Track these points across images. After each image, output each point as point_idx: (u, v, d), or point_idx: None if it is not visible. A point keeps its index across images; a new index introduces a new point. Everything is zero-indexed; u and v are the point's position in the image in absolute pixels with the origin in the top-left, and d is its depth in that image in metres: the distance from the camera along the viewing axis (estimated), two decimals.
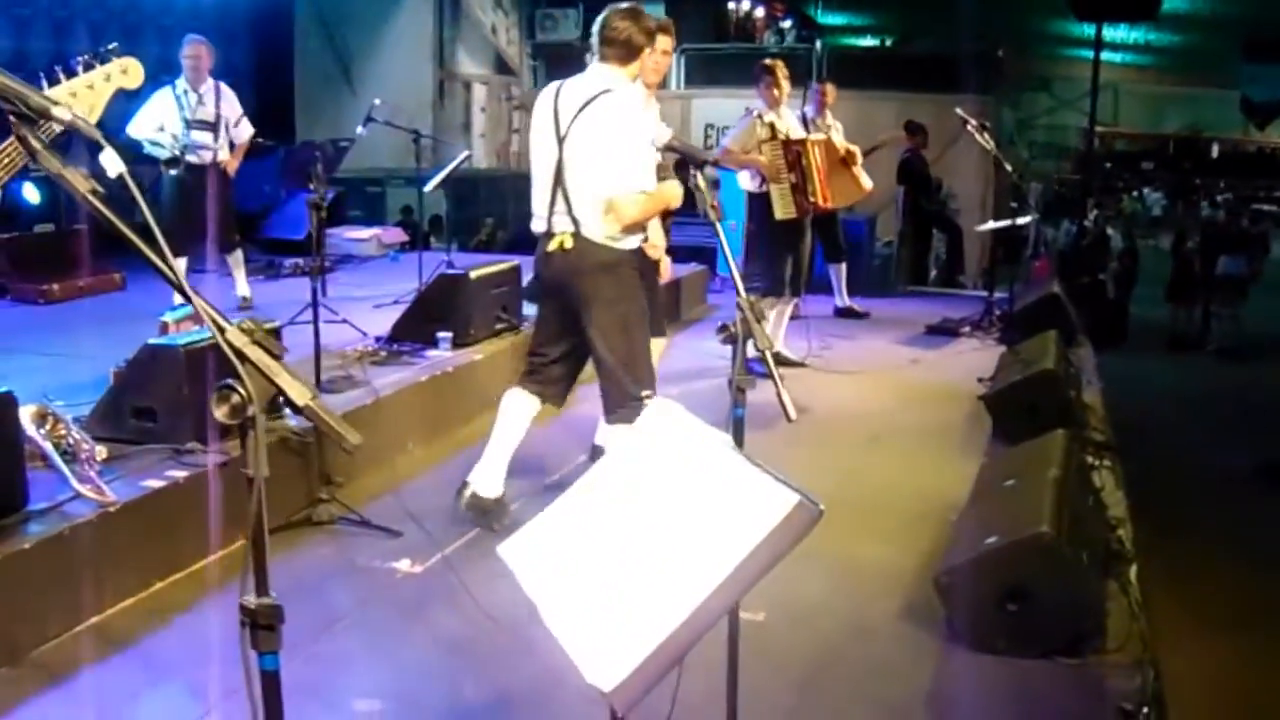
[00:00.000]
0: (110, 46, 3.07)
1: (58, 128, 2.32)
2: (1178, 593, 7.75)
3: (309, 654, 4.58)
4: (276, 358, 2.28)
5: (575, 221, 5.56)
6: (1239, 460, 11.67)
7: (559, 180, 5.60)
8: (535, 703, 4.16)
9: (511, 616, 4.49)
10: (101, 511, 4.88)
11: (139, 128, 9.35)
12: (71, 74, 2.97)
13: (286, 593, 5.10)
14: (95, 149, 2.36)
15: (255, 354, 2.26)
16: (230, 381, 2.23)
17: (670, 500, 2.60)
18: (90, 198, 2.28)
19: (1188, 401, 14.79)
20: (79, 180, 2.29)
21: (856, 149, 10.13)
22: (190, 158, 9.42)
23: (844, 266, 11.73)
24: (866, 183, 9.97)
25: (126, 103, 9.06)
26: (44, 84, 2.95)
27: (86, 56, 3.01)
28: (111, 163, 2.36)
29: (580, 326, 5.69)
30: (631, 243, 5.62)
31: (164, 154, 9.30)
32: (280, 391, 2.25)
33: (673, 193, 5.55)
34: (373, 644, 4.70)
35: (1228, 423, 13.43)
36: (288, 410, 2.40)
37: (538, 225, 5.76)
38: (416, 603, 5.10)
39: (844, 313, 11.81)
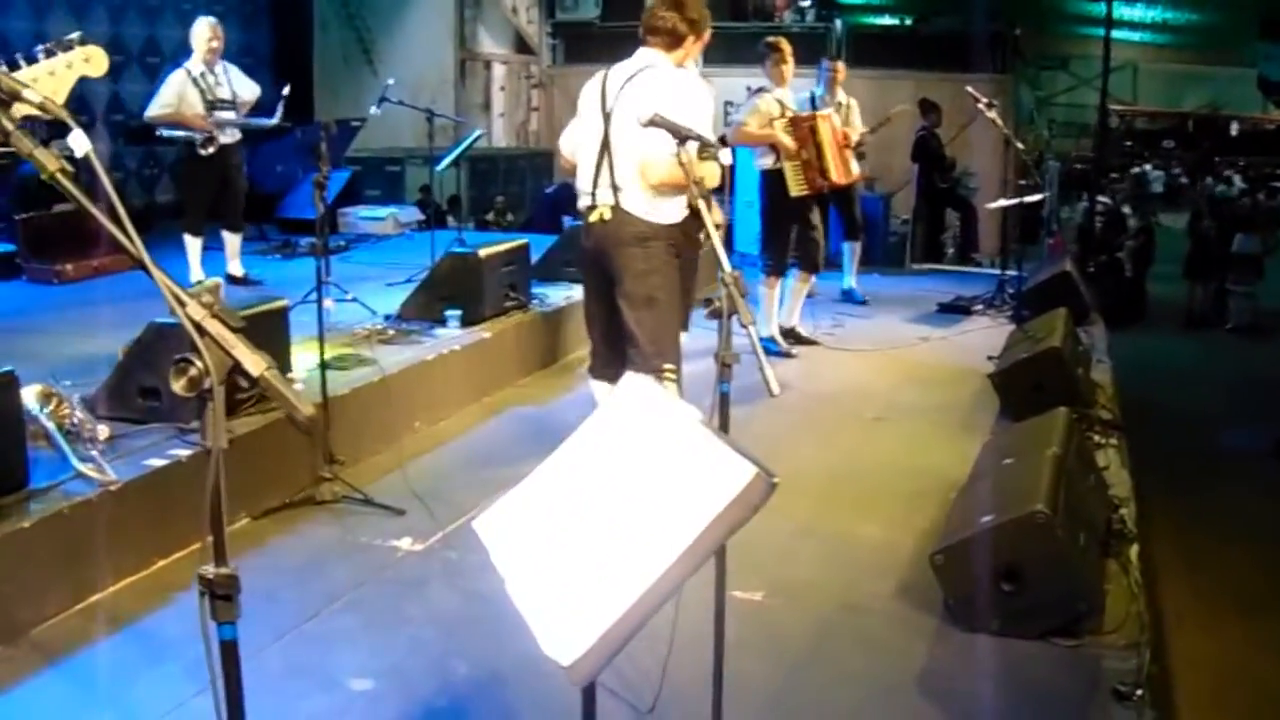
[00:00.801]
0: (73, 35, 3.06)
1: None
2: (1188, 574, 7.73)
3: (306, 632, 4.61)
4: (235, 330, 2.30)
5: (616, 193, 5.73)
6: (1255, 439, 11.60)
7: (604, 153, 5.77)
8: (527, 682, 4.17)
9: (508, 595, 4.50)
10: (102, 490, 4.91)
11: (158, 111, 9.37)
12: (32, 61, 2.97)
13: (286, 571, 5.19)
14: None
15: (214, 327, 2.28)
16: (188, 354, 2.26)
17: (634, 473, 2.61)
18: (59, 176, 2.33)
19: (1204, 379, 14.70)
20: (49, 160, 2.33)
21: (853, 131, 10.10)
22: (223, 138, 9.48)
23: (859, 245, 11.50)
24: (855, 169, 9.90)
25: (148, 85, 9.10)
26: (3, 70, 2.96)
27: (49, 44, 3.01)
28: (79, 143, 2.38)
29: (614, 297, 5.86)
30: (667, 217, 5.72)
31: (197, 137, 9.33)
32: (236, 363, 2.27)
33: (707, 170, 5.57)
34: (369, 622, 4.72)
35: (1244, 401, 13.34)
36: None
37: (583, 201, 5.92)
38: (416, 581, 5.11)
39: (847, 294, 11.57)
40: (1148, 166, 26.95)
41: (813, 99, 10.50)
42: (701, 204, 3.96)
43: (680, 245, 5.91)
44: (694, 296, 6.92)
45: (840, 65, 10.82)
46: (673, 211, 5.73)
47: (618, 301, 5.82)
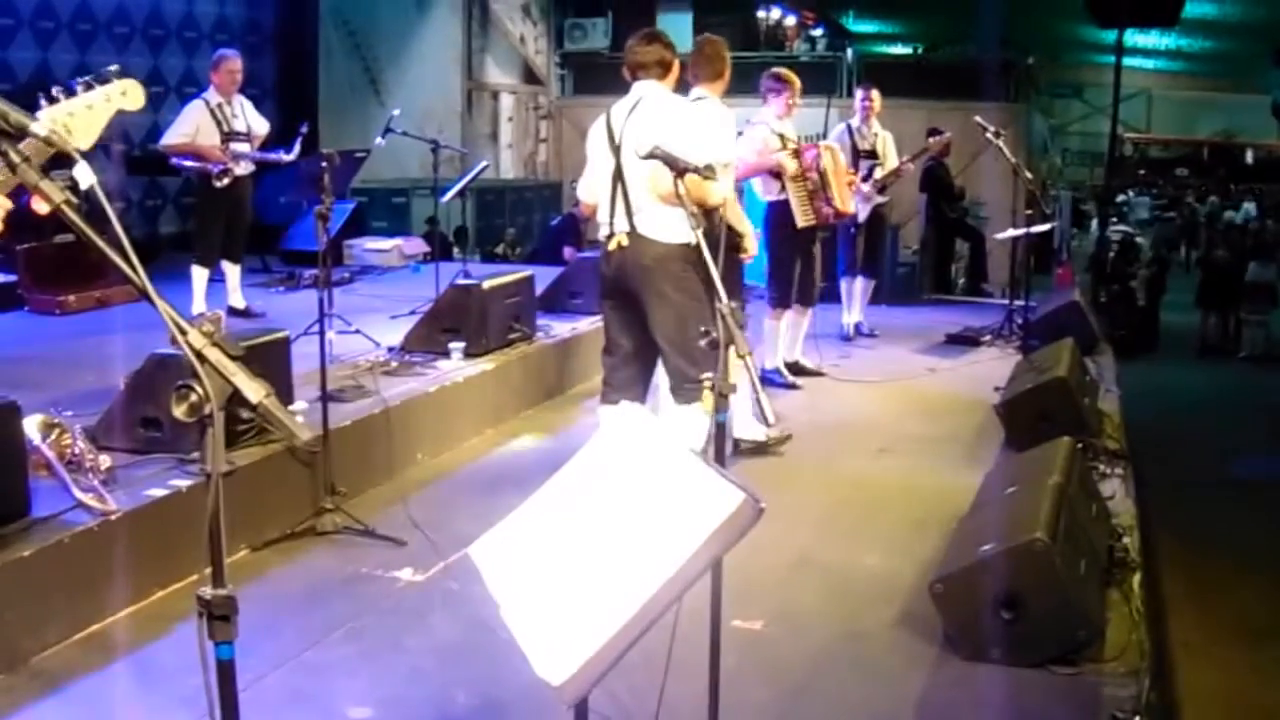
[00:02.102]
0: (111, 68, 3.10)
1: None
2: (1195, 604, 7.71)
3: (305, 661, 4.61)
4: (234, 358, 2.37)
5: (632, 219, 5.94)
6: (1267, 469, 11.56)
7: (618, 183, 5.99)
8: (526, 712, 4.16)
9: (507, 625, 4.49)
10: (103, 520, 4.91)
11: (175, 140, 9.43)
12: (71, 94, 3.02)
13: (286, 601, 5.19)
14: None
15: (214, 355, 2.35)
16: (189, 381, 2.33)
17: (626, 499, 2.65)
18: (65, 208, 2.40)
19: (1215, 409, 14.68)
20: (54, 192, 2.40)
21: (889, 164, 10.09)
22: (238, 170, 9.55)
23: (872, 284, 11.36)
24: (851, 207, 9.78)
25: (152, 115, 9.10)
26: (43, 104, 3.03)
27: (88, 78, 3.06)
28: (84, 175, 2.44)
29: (641, 320, 6.04)
30: (684, 236, 5.79)
31: (213, 169, 9.39)
32: (235, 390, 2.32)
33: (708, 190, 5.72)
34: (369, 652, 4.71)
35: (1255, 430, 13.32)
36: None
37: (602, 231, 6.15)
38: (416, 612, 5.11)
39: (857, 328, 11.30)
40: (1131, 193, 26.87)
41: (849, 131, 10.50)
42: (699, 234, 3.99)
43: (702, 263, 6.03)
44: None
45: (875, 95, 10.78)
46: (686, 233, 5.80)
47: (647, 321, 6.02)
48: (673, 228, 5.83)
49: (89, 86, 2.99)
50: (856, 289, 11.18)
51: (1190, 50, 28.27)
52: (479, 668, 4.53)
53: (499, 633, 4.49)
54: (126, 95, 3.05)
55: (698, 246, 5.85)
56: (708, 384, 5.71)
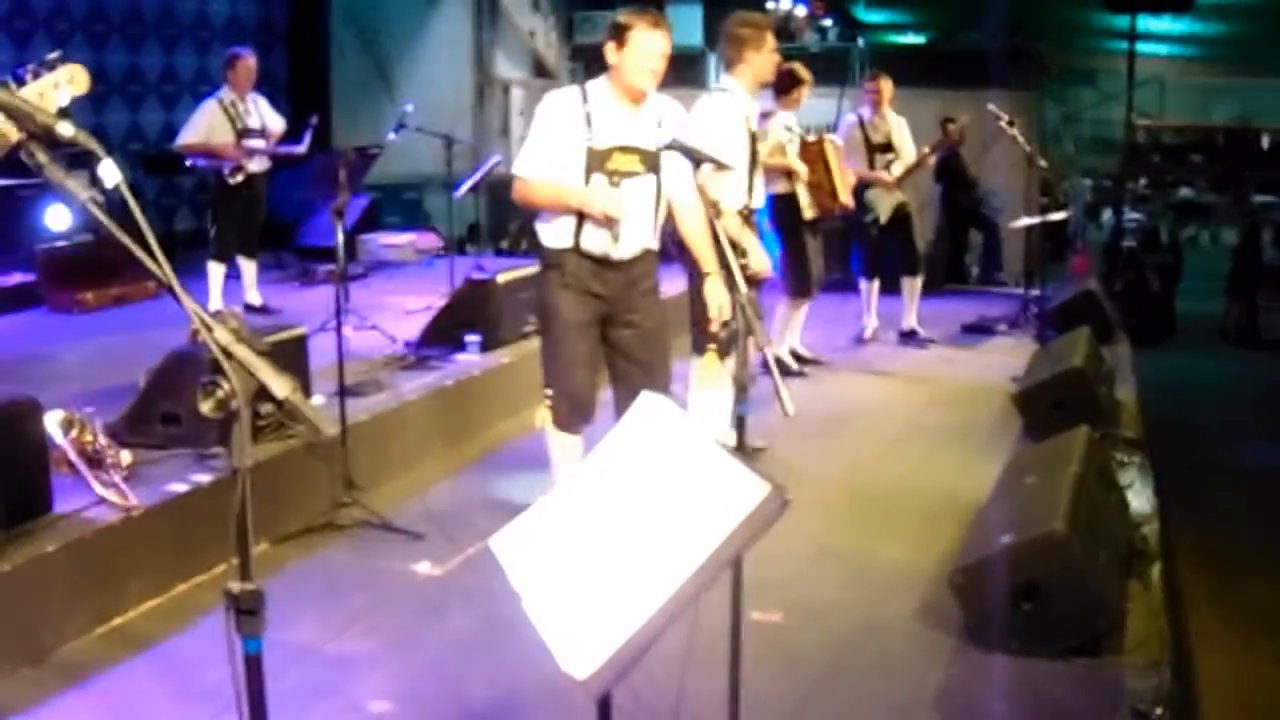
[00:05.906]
0: (54, 54, 3.12)
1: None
2: (1214, 594, 7.68)
3: (325, 655, 4.63)
4: (260, 354, 2.39)
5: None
6: None
7: None
8: (545, 705, 4.18)
9: (529, 619, 4.50)
10: (124, 515, 4.96)
11: (191, 139, 9.49)
12: (21, 83, 3.05)
13: (306, 595, 5.21)
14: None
15: (240, 350, 2.37)
16: (215, 377, 2.35)
17: (650, 491, 2.65)
18: (90, 205, 2.41)
19: (1234, 398, 14.60)
20: (79, 189, 2.42)
21: (907, 152, 10.04)
22: (252, 166, 9.60)
23: (918, 281, 10.75)
24: (850, 200, 9.54)
25: (166, 114, 9.10)
26: None
27: (34, 65, 3.08)
28: (109, 173, 2.46)
29: None
30: (559, 241, 5.39)
31: (225, 166, 9.46)
32: (262, 385, 2.34)
33: (584, 198, 5.21)
34: (390, 645, 4.74)
35: (1275, 420, 13.24)
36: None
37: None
38: (435, 605, 5.13)
39: (908, 336, 10.75)
40: (1087, 181, 26.46)
41: (861, 122, 10.37)
42: (713, 219, 3.98)
43: (584, 275, 5.44)
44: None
45: (884, 83, 10.43)
46: (554, 234, 5.42)
47: None
48: (545, 229, 5.47)
49: (36, 74, 3.01)
50: (875, 292, 10.86)
51: (1204, 35, 28.02)
52: (498, 661, 4.55)
53: (517, 627, 4.53)
54: (74, 81, 3.07)
55: (576, 250, 5.64)
56: (545, 402, 5.52)
